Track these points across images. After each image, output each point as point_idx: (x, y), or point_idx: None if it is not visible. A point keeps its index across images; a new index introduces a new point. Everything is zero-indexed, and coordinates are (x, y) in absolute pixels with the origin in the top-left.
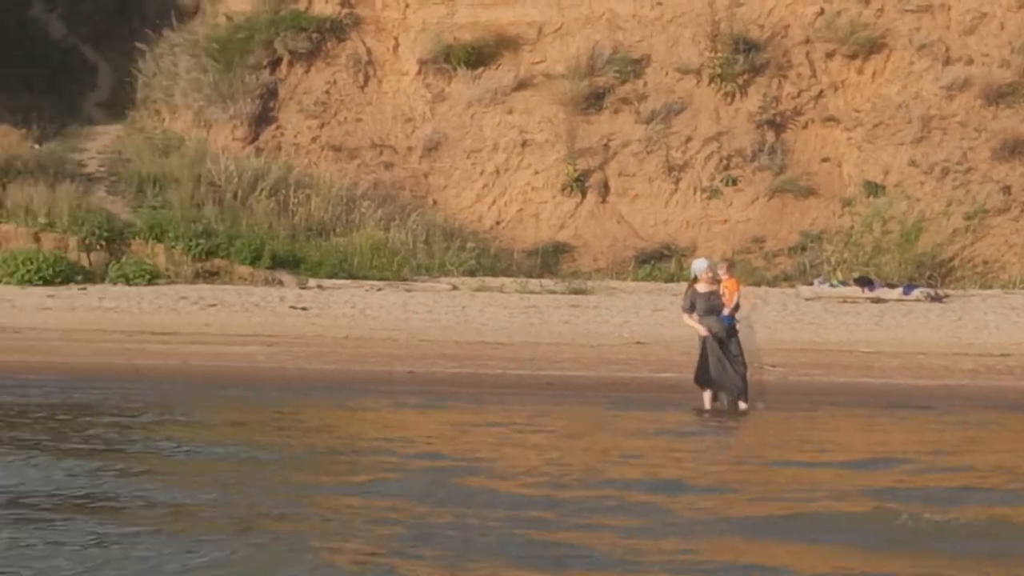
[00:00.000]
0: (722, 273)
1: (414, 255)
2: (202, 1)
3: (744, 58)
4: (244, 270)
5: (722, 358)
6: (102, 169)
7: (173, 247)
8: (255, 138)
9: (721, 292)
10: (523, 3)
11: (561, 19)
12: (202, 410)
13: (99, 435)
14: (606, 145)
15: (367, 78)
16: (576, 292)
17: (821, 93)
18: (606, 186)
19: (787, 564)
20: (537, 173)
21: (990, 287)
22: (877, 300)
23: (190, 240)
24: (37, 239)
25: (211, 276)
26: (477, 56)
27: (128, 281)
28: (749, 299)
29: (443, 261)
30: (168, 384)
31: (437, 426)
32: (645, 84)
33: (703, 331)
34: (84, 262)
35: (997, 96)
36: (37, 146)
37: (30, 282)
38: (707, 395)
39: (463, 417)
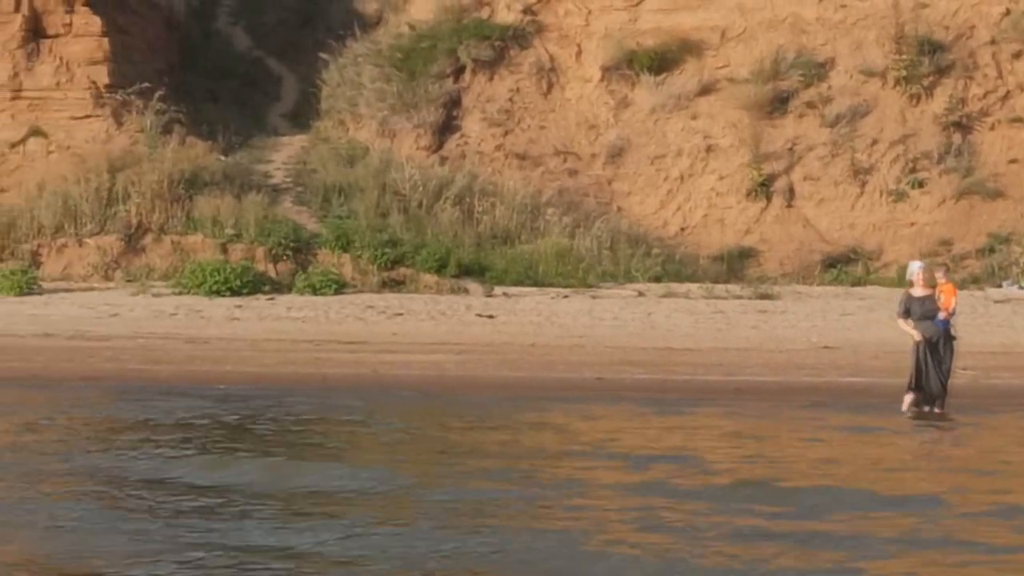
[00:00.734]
0: (939, 277)
1: (599, 262)
2: (385, 11)
3: (929, 60)
4: (430, 279)
5: (930, 363)
6: (288, 180)
7: (359, 256)
8: (439, 147)
9: (937, 296)
10: (706, 8)
11: (744, 23)
12: (449, 417)
13: (388, 443)
14: (791, 149)
15: (550, 85)
16: (763, 297)
17: (1008, 94)
18: (791, 190)
19: None
20: (722, 178)
21: None
22: None
23: (376, 249)
24: (225, 250)
25: (397, 285)
26: (660, 61)
27: (315, 291)
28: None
29: (628, 268)
30: (370, 391)
31: (707, 432)
32: (829, 87)
33: (917, 336)
34: (271, 272)
35: None
36: (223, 158)
37: (218, 293)
38: (909, 397)
39: (710, 422)
